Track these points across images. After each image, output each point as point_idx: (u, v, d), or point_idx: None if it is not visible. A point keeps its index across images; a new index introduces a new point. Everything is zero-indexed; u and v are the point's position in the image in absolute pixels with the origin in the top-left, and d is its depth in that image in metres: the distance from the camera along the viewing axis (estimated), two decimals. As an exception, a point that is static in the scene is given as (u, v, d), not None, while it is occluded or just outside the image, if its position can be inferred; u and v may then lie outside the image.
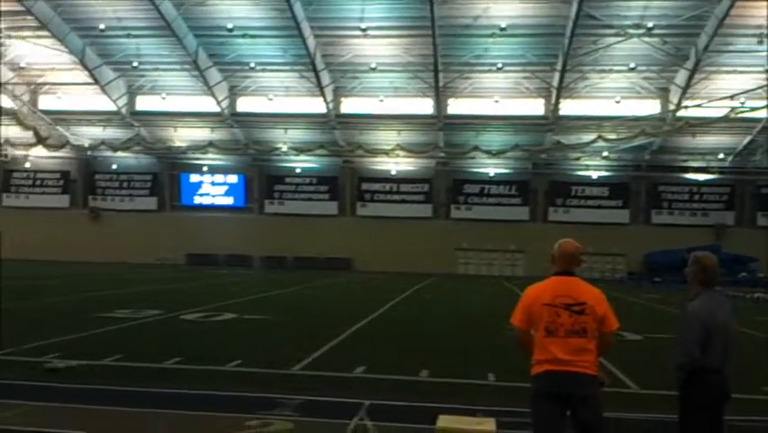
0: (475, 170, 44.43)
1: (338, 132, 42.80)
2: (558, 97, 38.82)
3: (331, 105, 40.87)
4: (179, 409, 7.24)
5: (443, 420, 5.92)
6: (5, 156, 46.29)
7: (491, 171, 44.24)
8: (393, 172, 44.67)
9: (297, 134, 43.38)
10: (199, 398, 7.81)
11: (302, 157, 44.13)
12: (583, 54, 35.84)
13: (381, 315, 17.69)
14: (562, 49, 35.53)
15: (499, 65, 37.52)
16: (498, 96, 40.26)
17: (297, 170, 45.36)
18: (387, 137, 42.72)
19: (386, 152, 42.78)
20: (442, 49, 35.68)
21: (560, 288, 4.45)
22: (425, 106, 41.22)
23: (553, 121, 40.20)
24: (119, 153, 44.88)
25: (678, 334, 4.80)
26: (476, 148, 41.23)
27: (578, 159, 42.75)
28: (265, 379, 9.00)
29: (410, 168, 44.81)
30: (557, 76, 37.21)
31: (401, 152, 42.66)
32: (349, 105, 42.31)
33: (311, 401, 7.73)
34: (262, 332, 13.81)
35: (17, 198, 47.04)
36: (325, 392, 8.21)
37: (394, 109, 41.31)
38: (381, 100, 41.09)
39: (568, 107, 40.20)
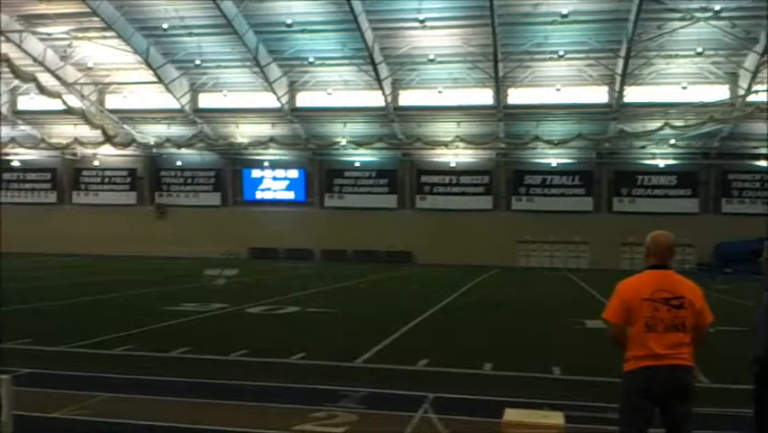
0: (536, 160, 43.76)
1: (397, 124, 42.74)
2: (622, 84, 37.82)
3: (389, 98, 40.83)
4: (245, 401, 7.35)
5: (510, 414, 5.83)
6: (75, 155, 47.92)
7: (553, 162, 43.49)
8: (452, 164, 44.38)
9: (355, 128, 43.51)
10: (265, 390, 7.92)
11: (361, 151, 44.27)
12: (648, 39, 34.79)
13: (443, 308, 17.59)
14: (625, 34, 34.59)
15: (561, 53, 36.80)
16: (559, 84, 39.51)
17: (357, 164, 45.53)
18: (446, 129, 42.42)
19: (445, 144, 42.50)
20: (501, 38, 35.20)
21: (657, 282, 4.37)
22: (485, 97, 40.77)
23: (617, 109, 39.20)
24: (183, 150, 45.88)
25: (754, 326, 4.62)
26: (537, 138, 40.57)
27: (643, 147, 41.59)
28: (329, 371, 9.05)
29: (470, 159, 44.44)
30: (621, 62, 36.24)
31: (461, 144, 42.30)
32: (407, 98, 42.18)
33: (375, 394, 7.74)
34: (325, 325, 13.91)
35: (86, 195, 48.62)
36: (389, 385, 8.21)
37: (453, 100, 40.98)
38: (440, 92, 40.84)
39: (632, 94, 39.12)
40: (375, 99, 40.78)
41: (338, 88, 41.54)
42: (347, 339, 12.07)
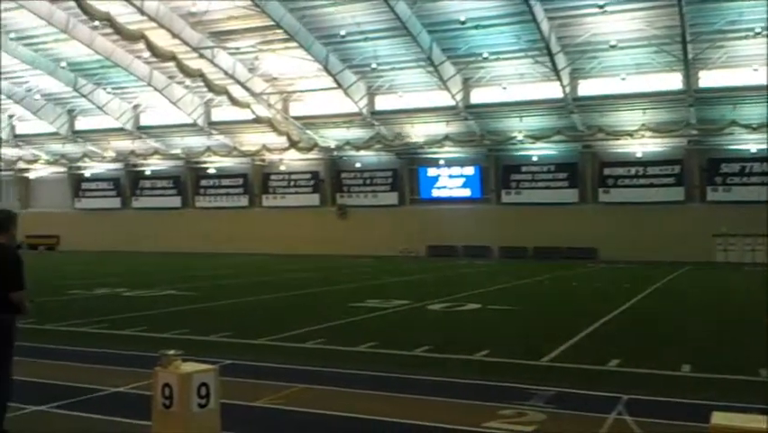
0: (733, 147, 40.24)
1: (576, 116, 41.23)
2: (833, 59, 33.85)
3: (568, 89, 39.45)
4: (431, 396, 7.38)
5: (718, 417, 5.33)
6: (263, 161, 51.09)
7: (753, 148, 39.74)
8: (638, 155, 42.00)
9: (532, 122, 42.49)
10: (450, 385, 7.91)
11: (539, 144, 43.16)
12: None
13: (633, 306, 16.67)
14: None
15: (757, 29, 33.57)
16: (756, 64, 36.08)
17: (534, 159, 44.48)
18: (630, 117, 40.24)
19: (630, 134, 40.34)
20: (690, 18, 32.75)
21: None
22: (673, 81, 38.18)
23: (827, 87, 35.14)
24: (362, 152, 47.37)
25: None
26: (733, 123, 37.33)
27: None
28: (515, 369, 8.88)
29: (658, 149, 41.83)
30: (831, 34, 32.46)
31: (647, 133, 39.94)
32: (587, 87, 40.53)
33: (564, 393, 7.47)
34: (508, 322, 13.68)
35: (274, 198, 51.66)
36: (579, 385, 7.89)
37: (638, 87, 38.74)
38: (623, 79, 38.80)
39: None
40: (552, 91, 39.62)
41: (513, 82, 40.84)
42: (531, 337, 11.78)
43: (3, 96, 49.24)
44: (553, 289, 22.40)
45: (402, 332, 12.22)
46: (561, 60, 37.48)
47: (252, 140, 49.01)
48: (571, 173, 43.85)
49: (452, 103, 41.74)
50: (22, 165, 56.63)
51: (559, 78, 38.04)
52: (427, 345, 10.35)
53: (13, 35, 41.21)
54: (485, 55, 38.25)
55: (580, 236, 41.42)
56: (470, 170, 46.43)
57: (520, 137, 42.47)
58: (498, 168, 45.57)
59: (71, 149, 54.58)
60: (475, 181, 46.26)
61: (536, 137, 42.16)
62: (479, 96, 42.68)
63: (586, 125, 41.32)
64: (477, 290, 20.21)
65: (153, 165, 53.70)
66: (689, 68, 36.22)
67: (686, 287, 23.12)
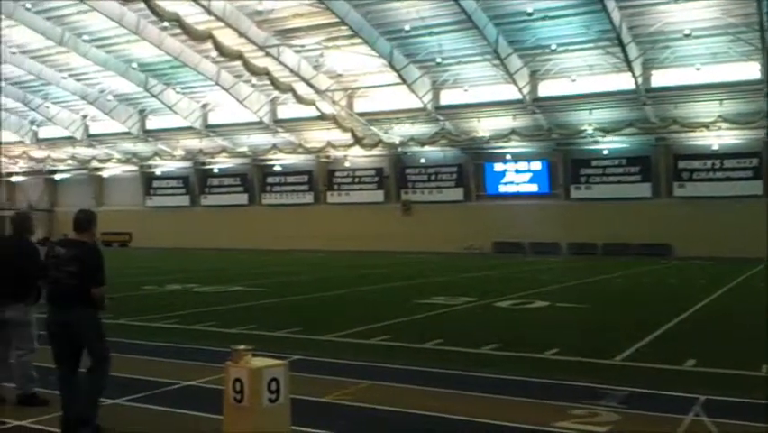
0: (818, 138, 38.45)
1: (649, 107, 40.00)
2: None
3: (640, 80, 38.31)
4: (500, 394, 7.28)
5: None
6: (328, 157, 51.49)
7: (839, 139, 37.86)
8: (714, 147, 40.44)
9: (602, 114, 41.40)
10: (519, 384, 7.81)
11: (609, 138, 42.02)
12: None
13: (709, 304, 16.09)
14: None
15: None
16: (844, 50, 34.32)
17: (605, 152, 43.35)
18: (706, 109, 38.76)
19: (705, 126, 38.90)
20: (768, 4, 31.47)
21: None
22: (751, 71, 36.61)
23: None
24: (426, 148, 47.17)
25: None
26: (815, 113, 35.69)
27: None
28: (586, 368, 8.68)
29: (735, 141, 40.18)
30: None
31: (723, 125, 38.41)
32: (660, 78, 39.26)
33: (638, 393, 7.26)
34: (578, 320, 13.38)
35: (339, 195, 51.98)
36: (653, 385, 7.63)
37: (713, 77, 37.31)
38: (698, 69, 37.41)
39: None
40: (624, 82, 38.58)
41: (582, 74, 39.93)
42: (602, 336, 11.49)
43: (77, 98, 51.19)
44: (625, 286, 21.80)
45: (469, 329, 12.10)
46: (632, 51, 36.46)
47: (317, 137, 49.45)
48: (644, 167, 42.59)
49: (519, 96, 41.14)
50: (95, 164, 58.69)
51: (631, 69, 37.00)
52: (495, 343, 10.22)
53: (86, 37, 42.60)
54: (553, 47, 37.52)
55: (652, 232, 40.23)
56: (537, 165, 45.71)
57: (590, 130, 41.54)
58: (567, 162, 44.69)
59: (142, 148, 56.26)
60: (543, 176, 45.51)
61: (607, 130, 41.15)
62: (546, 88, 41.93)
63: (659, 117, 40.10)
64: (545, 288, 19.87)
65: (221, 163, 54.84)
66: (768, 57, 34.71)
67: (764, 284, 22.15)
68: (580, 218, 42.74)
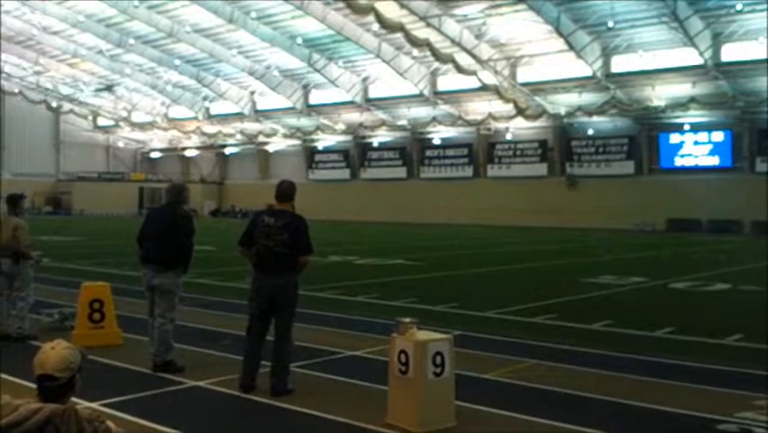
0: None
1: None
2: None
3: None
4: (678, 381, 6.80)
5: None
6: (489, 129, 50.61)
7: None
8: None
9: (795, 80, 37.65)
10: (697, 371, 7.28)
11: (802, 105, 38.22)
12: None
13: None
14: None
15: None
16: None
17: (797, 121, 39.46)
18: None
19: None
20: None
21: None
22: None
23: None
24: (594, 118, 45.13)
25: None
26: None
27: None
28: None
29: None
30: None
31: None
32: None
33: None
34: (764, 305, 12.16)
35: (500, 168, 51.03)
36: None
37: None
38: None
39: None
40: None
41: (772, 36, 36.26)
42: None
43: (245, 74, 53.64)
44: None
45: (641, 311, 11.44)
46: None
47: (478, 108, 48.83)
48: None
49: (700, 61, 38.18)
50: (262, 138, 61.63)
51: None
52: (669, 327, 9.58)
53: (254, 15, 44.26)
54: (738, 7, 34.34)
55: None
56: (719, 136, 42.41)
57: (780, 97, 37.78)
58: (753, 133, 41.11)
59: (305, 122, 58.42)
60: (725, 148, 42.17)
61: (800, 96, 37.23)
62: (731, 52, 38.55)
63: None
64: (726, 269, 18.45)
65: (380, 137, 55.67)
66: None
67: None
68: (765, 194, 39.08)
